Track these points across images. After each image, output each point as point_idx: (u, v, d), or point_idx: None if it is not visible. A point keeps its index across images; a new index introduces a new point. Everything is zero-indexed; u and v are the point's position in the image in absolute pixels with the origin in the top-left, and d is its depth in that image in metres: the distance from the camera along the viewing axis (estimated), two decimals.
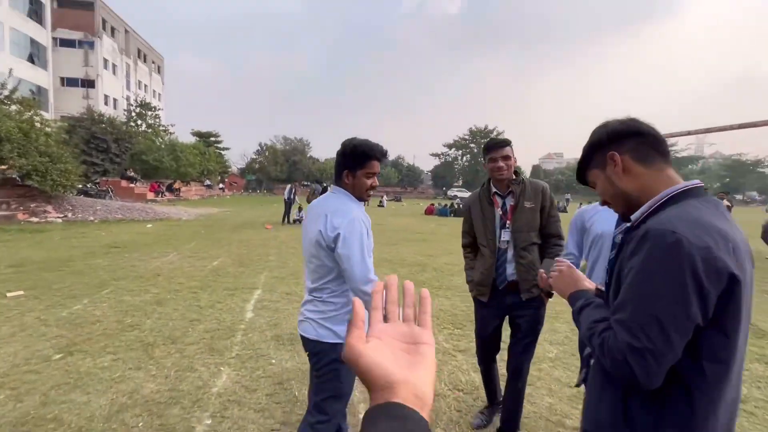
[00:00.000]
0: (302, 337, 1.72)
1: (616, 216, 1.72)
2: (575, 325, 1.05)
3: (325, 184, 15.46)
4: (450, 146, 59.36)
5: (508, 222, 2.15)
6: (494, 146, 2.14)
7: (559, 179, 58.15)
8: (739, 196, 21.71)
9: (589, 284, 1.12)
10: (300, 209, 14.91)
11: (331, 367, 1.64)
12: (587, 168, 1.08)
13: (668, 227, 0.82)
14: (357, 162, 1.64)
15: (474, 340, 2.56)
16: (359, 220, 1.59)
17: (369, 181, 1.68)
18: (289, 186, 14.84)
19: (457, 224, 15.19)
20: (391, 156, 66.34)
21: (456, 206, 21.58)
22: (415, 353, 0.42)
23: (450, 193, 46.48)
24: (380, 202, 28.30)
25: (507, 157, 2.12)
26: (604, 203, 1.08)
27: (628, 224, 1.01)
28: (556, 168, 77.15)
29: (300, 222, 14.40)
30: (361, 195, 1.69)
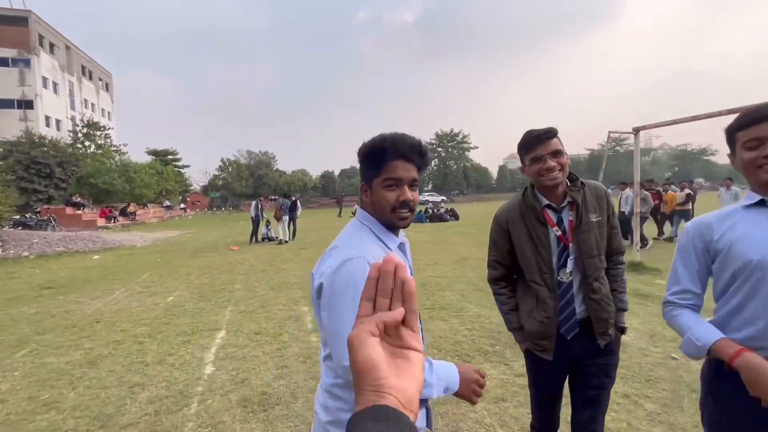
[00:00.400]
0: None
1: None
2: None
3: (294, 198, 14.51)
4: None
5: (570, 245, 1.51)
6: (537, 140, 1.50)
7: (525, 180, 59.63)
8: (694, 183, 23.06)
9: None
10: (268, 224, 13.92)
11: None
12: None
13: None
14: (371, 166, 1.11)
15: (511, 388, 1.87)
16: (360, 263, 0.99)
17: (392, 194, 1.08)
18: (254, 202, 13.80)
19: (435, 230, 14.99)
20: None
21: (430, 211, 21.18)
22: (403, 358, 0.41)
23: (421, 198, 46.37)
24: (353, 211, 27.53)
25: (558, 153, 1.48)
26: None
27: None
28: (520, 167, 79.07)
29: (270, 240, 13.42)
30: (385, 217, 1.10)
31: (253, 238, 13.26)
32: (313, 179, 56.25)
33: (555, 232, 1.53)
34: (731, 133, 1.18)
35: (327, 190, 54.76)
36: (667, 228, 11.21)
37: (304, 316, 4.97)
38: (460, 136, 57.42)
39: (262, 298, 5.93)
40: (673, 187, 11.52)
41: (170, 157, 45.33)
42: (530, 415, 2.62)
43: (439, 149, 58.23)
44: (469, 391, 1.09)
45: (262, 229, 13.73)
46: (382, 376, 0.38)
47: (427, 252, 9.90)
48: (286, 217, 13.06)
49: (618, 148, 56.26)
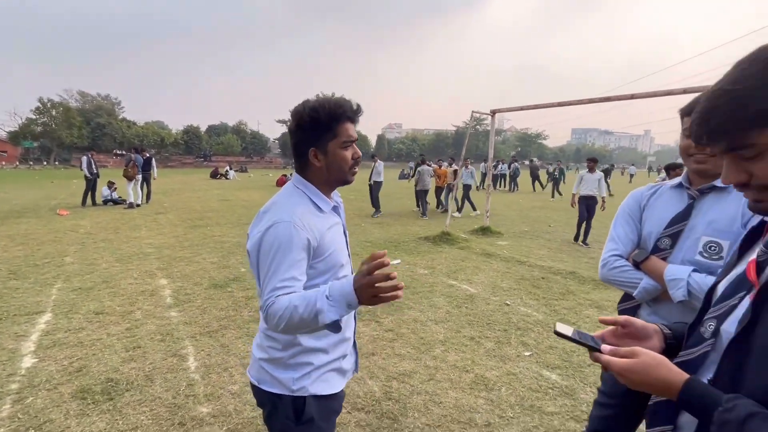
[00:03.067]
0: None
1: (671, 209, 1.31)
2: None
3: (148, 154, 12.32)
4: None
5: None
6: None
7: (400, 148, 63.03)
8: (526, 162, 28.45)
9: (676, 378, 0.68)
10: (112, 185, 11.62)
11: (277, 428, 1.20)
12: (753, 126, 0.60)
13: None
14: (326, 130, 1.14)
15: None
16: (287, 226, 1.06)
17: (349, 153, 1.17)
18: (85, 157, 11.08)
19: None
20: (233, 121, 59.39)
21: None
22: None
23: None
24: (226, 173, 25.07)
25: None
26: (749, 187, 0.65)
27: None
28: (396, 138, 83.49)
29: (116, 203, 11.27)
30: (343, 176, 1.20)
31: (86, 200, 10.90)
32: (173, 134, 48.73)
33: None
34: (682, 117, 1.29)
35: (191, 148, 48.26)
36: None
37: (161, 289, 4.41)
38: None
39: (104, 272, 5.00)
40: (445, 164, 12.53)
41: None
42: (397, 366, 2.93)
43: None
44: (372, 293, 0.93)
45: (102, 190, 11.40)
46: None
47: None
48: (139, 177, 11.07)
49: (478, 127, 63.87)
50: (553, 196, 16.76)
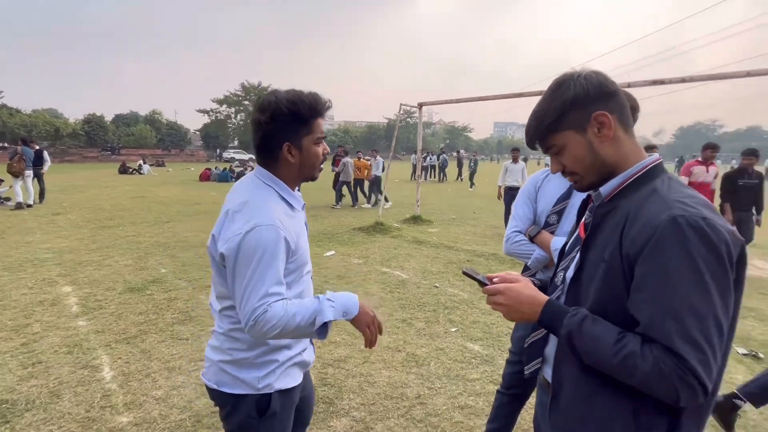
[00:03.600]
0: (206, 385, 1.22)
1: (558, 190, 1.55)
2: (569, 347, 0.80)
3: (38, 147, 10.67)
4: (221, 102, 53.10)
5: None
6: None
7: (332, 140, 62.38)
8: (454, 153, 30.19)
9: (541, 296, 0.88)
10: None
11: (235, 424, 1.17)
12: (554, 130, 0.85)
13: (694, 213, 0.70)
14: (302, 125, 1.12)
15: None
16: (270, 229, 1.04)
17: (320, 149, 1.17)
18: None
19: None
20: (145, 110, 53.53)
21: (236, 170, 19.66)
22: None
23: (226, 155, 42.02)
24: (139, 168, 22.64)
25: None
26: (565, 173, 0.88)
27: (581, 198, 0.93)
28: (328, 129, 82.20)
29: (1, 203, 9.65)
30: (313, 173, 1.20)
31: None
32: (71, 124, 42.66)
33: None
34: None
35: (94, 140, 42.65)
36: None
37: (64, 298, 3.94)
38: (270, 89, 53.87)
39: None
40: (366, 156, 12.28)
41: None
42: (332, 353, 2.98)
43: (246, 102, 53.73)
44: (364, 324, 1.10)
45: None
46: None
47: None
48: (29, 173, 9.57)
49: (408, 119, 65.55)
50: (471, 187, 17.38)
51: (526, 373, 1.00)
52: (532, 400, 1.93)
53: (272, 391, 1.15)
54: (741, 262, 0.71)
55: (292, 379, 1.21)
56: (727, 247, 0.68)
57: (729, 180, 5.29)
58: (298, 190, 1.25)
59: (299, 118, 1.09)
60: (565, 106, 0.82)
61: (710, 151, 5.38)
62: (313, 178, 1.20)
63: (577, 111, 0.81)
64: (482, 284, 0.93)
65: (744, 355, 3.10)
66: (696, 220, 0.68)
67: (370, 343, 1.12)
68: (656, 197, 0.75)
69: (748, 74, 5.00)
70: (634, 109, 1.28)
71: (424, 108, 8.70)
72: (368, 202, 11.26)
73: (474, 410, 2.36)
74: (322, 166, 1.20)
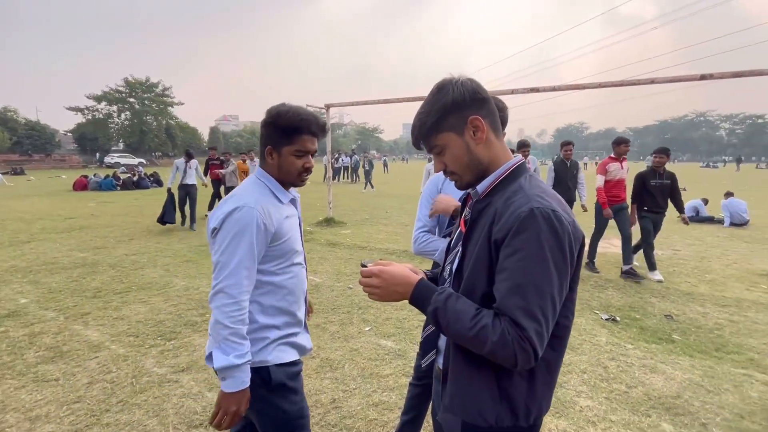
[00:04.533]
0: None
1: (459, 191, 1.63)
2: (434, 323, 0.88)
3: None
4: (99, 99, 45.97)
5: None
6: None
7: (238, 142, 58.58)
8: (366, 154, 30.91)
9: (414, 272, 0.96)
10: None
11: (254, 397, 1.24)
12: (436, 131, 0.91)
13: (547, 206, 0.81)
14: (283, 136, 1.28)
15: None
16: (249, 211, 1.20)
17: (300, 162, 1.31)
18: None
19: (131, 200, 12.55)
20: None
21: (122, 177, 17.26)
22: None
23: (109, 159, 36.53)
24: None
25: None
26: (446, 172, 0.96)
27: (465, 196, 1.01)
28: (233, 130, 77.25)
29: None
30: (291, 179, 1.34)
31: None
32: None
33: None
34: None
35: None
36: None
37: None
38: (160, 87, 48.83)
39: None
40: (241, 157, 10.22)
41: None
42: None
43: (131, 100, 47.54)
44: (220, 406, 1.16)
45: None
46: None
47: (117, 226, 8.14)
48: None
49: None
50: (365, 188, 16.86)
51: (423, 365, 1.05)
52: None
53: (268, 364, 1.24)
54: (581, 249, 0.85)
55: (287, 354, 1.30)
56: (569, 237, 0.80)
57: (640, 181, 5.04)
58: (294, 189, 1.40)
59: (281, 129, 1.26)
60: (445, 108, 0.88)
61: (624, 146, 5.07)
62: (295, 184, 1.34)
63: (455, 115, 0.88)
64: (363, 266, 0.97)
65: (606, 319, 3.71)
66: (547, 213, 0.79)
67: (212, 422, 1.17)
68: (521, 192, 0.85)
69: (600, 85, 6.04)
70: (502, 110, 1.43)
71: (336, 109, 8.68)
72: None
73: (387, 405, 2.42)
74: (305, 176, 1.33)
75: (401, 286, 0.91)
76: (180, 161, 8.00)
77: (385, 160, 33.37)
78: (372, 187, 17.12)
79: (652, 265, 4.95)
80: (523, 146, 5.68)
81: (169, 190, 7.88)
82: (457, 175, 0.94)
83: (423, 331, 1.07)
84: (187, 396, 2.48)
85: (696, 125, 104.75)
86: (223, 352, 1.13)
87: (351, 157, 22.56)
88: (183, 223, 8.17)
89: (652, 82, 5.30)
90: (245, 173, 9.57)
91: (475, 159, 0.91)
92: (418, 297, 0.89)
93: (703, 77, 4.89)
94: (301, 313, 1.37)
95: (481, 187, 0.93)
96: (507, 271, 0.79)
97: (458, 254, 0.94)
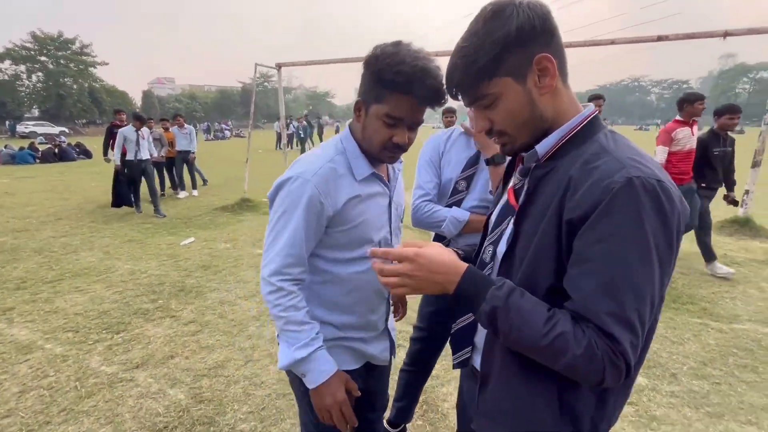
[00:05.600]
0: None
1: (464, 154, 1.45)
2: (488, 325, 0.68)
3: None
4: (1, 57, 39.50)
5: None
6: None
7: (176, 108, 53.78)
8: (321, 120, 28.89)
9: (460, 262, 0.72)
10: None
11: (295, 387, 1.14)
12: (489, 76, 0.67)
13: (650, 174, 0.59)
14: (375, 87, 0.92)
15: None
16: (301, 184, 0.96)
17: (387, 132, 0.95)
18: None
19: (56, 174, 11.19)
20: None
21: (40, 149, 15.18)
22: None
23: (22, 128, 31.84)
24: None
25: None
26: (493, 133, 0.73)
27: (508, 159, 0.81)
28: (170, 95, 70.61)
29: None
30: (373, 151, 0.99)
31: None
32: None
33: None
34: None
35: None
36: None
37: None
38: (77, 44, 42.77)
39: None
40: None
41: None
42: (205, 361, 2.51)
43: (42, 58, 41.38)
44: (321, 405, 1.00)
45: None
46: None
47: (45, 204, 7.14)
48: None
49: (266, 84, 60.82)
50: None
51: (454, 363, 0.88)
52: (444, 377, 1.96)
53: (280, 368, 1.07)
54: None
55: (339, 360, 1.06)
56: (678, 219, 0.60)
57: (702, 148, 3.85)
58: (400, 160, 1.11)
59: (375, 77, 0.92)
60: (506, 41, 0.64)
61: (699, 103, 3.68)
62: (377, 158, 1.02)
63: (518, 52, 0.64)
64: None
65: None
66: (651, 184, 0.58)
67: (320, 419, 1.02)
68: (606, 155, 0.63)
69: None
70: None
71: (284, 72, 7.99)
72: (177, 190, 8.08)
73: None
74: (391, 153, 1.00)
75: (443, 275, 0.68)
76: (128, 130, 6.12)
77: (337, 126, 32.36)
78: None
79: (711, 256, 3.90)
80: (596, 97, 4.68)
81: (116, 170, 6.21)
82: (509, 137, 0.72)
83: (454, 322, 0.89)
84: (145, 396, 2.19)
85: (630, 90, 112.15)
86: (287, 345, 0.99)
87: (292, 124, 18.96)
88: (139, 208, 6.51)
89: (612, 42, 5.31)
90: (172, 145, 7.87)
91: (537, 114, 0.68)
92: (468, 290, 0.67)
93: (659, 38, 4.96)
94: (375, 316, 1.14)
95: (543, 147, 0.71)
96: (592, 262, 0.60)
97: (509, 234, 0.74)
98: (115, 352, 2.60)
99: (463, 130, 1.54)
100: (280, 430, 1.97)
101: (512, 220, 0.74)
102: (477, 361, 0.83)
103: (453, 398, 2.21)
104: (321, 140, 20.93)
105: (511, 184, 0.81)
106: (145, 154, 6.36)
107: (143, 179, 6.44)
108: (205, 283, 3.69)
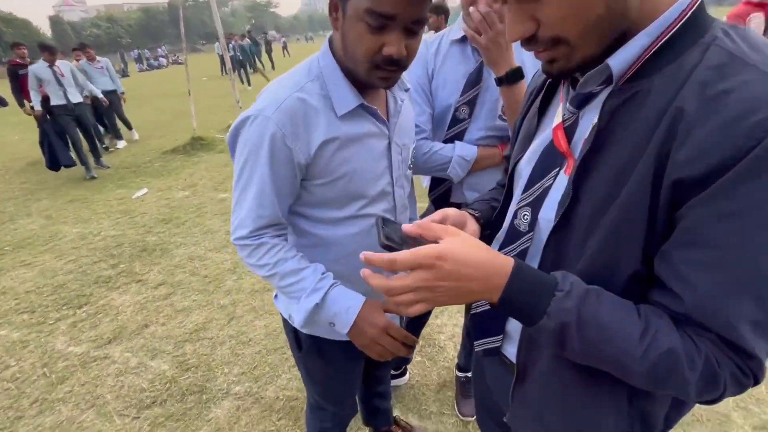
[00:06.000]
0: None
1: (462, 70, 1.09)
2: (556, 343, 0.47)
3: None
4: None
5: None
6: None
7: (96, 34, 46.36)
8: (267, 35, 25.20)
9: (501, 257, 0.49)
10: None
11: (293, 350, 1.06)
12: None
13: None
14: None
15: None
16: (262, 125, 0.74)
17: (374, 41, 0.66)
18: None
19: None
20: None
21: None
22: None
23: None
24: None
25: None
26: (537, 42, 0.47)
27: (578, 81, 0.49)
28: (83, 19, 60.36)
29: None
30: (356, 68, 0.72)
31: None
32: None
33: None
34: None
35: None
36: None
37: None
38: None
39: None
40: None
41: None
42: (184, 325, 2.34)
43: None
44: (367, 341, 0.80)
45: None
46: None
47: None
48: None
49: None
50: (245, 82, 12.68)
51: (477, 350, 0.70)
52: (435, 309, 1.83)
53: (300, 329, 0.93)
54: None
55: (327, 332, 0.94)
56: None
57: None
58: (403, 83, 0.86)
59: None
60: None
61: None
62: (366, 81, 0.73)
63: None
64: (389, 244, 0.49)
65: None
66: None
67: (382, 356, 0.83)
68: (743, 68, 0.38)
69: None
70: None
71: None
72: (114, 140, 6.76)
73: None
74: (388, 72, 0.71)
75: (480, 280, 0.46)
76: (40, 67, 4.72)
77: (284, 42, 28.91)
78: (249, 84, 12.58)
79: None
80: None
81: (38, 120, 4.95)
82: (566, 46, 0.45)
83: (473, 306, 0.70)
84: (125, 372, 2.05)
85: None
86: (296, 300, 0.82)
87: (231, 44, 16.05)
88: (88, 166, 5.19)
89: None
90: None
91: (618, 6, 0.42)
92: (518, 299, 0.46)
93: None
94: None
95: (621, 60, 0.45)
96: (719, 247, 0.39)
97: (563, 196, 0.50)
98: (81, 329, 2.39)
99: (454, 39, 1.14)
100: (277, 388, 1.91)
101: (565, 175, 0.51)
102: (509, 351, 0.66)
103: (448, 329, 2.19)
104: (271, 60, 18.81)
105: (561, 117, 0.54)
106: (74, 97, 4.98)
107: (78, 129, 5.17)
108: (168, 239, 3.38)
